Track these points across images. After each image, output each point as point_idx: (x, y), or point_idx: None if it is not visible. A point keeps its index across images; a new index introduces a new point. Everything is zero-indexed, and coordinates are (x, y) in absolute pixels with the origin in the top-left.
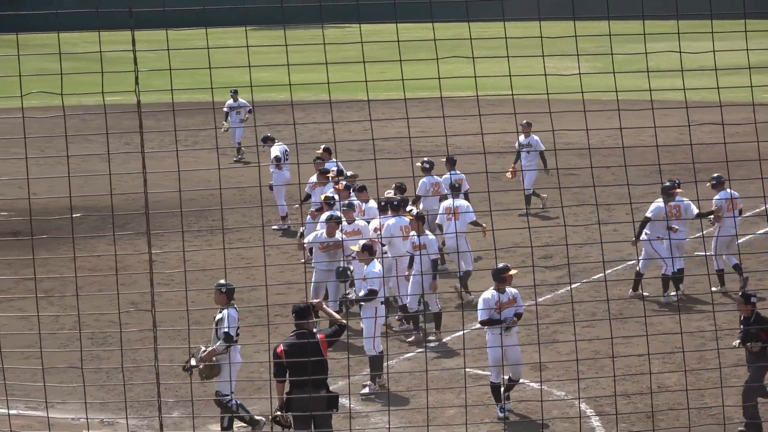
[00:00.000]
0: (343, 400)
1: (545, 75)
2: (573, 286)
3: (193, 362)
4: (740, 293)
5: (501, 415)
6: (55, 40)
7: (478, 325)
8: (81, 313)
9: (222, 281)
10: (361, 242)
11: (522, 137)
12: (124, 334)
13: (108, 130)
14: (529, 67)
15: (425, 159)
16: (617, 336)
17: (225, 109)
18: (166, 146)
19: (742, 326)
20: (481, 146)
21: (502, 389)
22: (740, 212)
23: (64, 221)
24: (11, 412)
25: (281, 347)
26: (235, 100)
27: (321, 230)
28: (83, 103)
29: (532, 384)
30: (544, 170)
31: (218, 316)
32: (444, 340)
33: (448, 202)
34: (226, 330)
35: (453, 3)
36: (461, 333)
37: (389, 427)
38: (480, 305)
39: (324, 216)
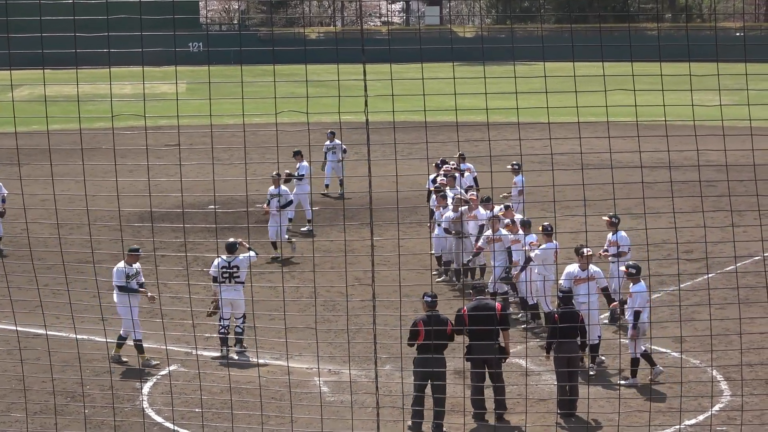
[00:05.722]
0: (521, 362)
1: (692, 105)
2: (709, 275)
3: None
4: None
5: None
6: (302, 70)
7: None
8: (316, 285)
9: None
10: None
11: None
12: (349, 302)
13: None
14: (678, 99)
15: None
16: (744, 317)
17: (324, 150)
18: (387, 156)
19: None
20: (638, 161)
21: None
22: None
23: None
24: (259, 361)
25: (465, 310)
26: (331, 140)
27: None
28: (322, 121)
29: (673, 354)
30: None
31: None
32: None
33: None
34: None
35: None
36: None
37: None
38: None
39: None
